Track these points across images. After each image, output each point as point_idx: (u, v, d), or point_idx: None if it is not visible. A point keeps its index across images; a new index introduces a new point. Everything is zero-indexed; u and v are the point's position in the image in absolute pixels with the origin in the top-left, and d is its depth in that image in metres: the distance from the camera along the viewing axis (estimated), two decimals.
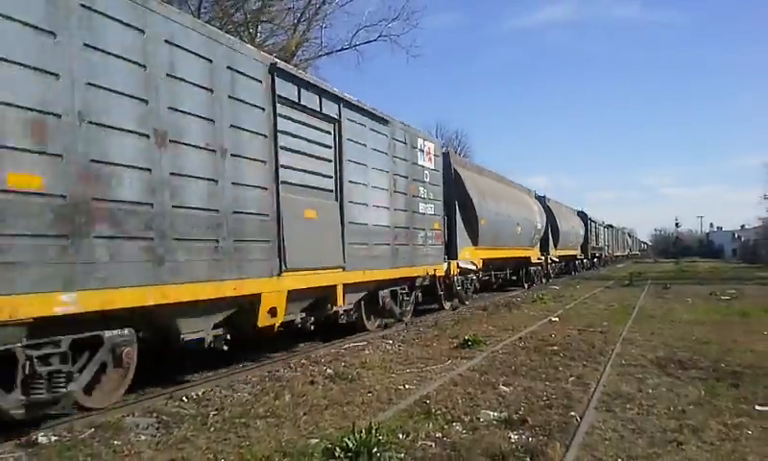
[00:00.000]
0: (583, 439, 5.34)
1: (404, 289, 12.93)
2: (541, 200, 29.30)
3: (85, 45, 5.51)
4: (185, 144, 6.63)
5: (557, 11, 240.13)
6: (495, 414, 6.14)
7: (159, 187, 6.23)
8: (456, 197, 16.53)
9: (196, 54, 6.85)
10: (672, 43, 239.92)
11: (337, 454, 4.72)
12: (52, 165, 5.16)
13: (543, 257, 28.51)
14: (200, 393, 7.14)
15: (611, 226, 63.83)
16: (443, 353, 9.74)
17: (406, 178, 12.61)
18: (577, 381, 7.66)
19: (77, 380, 5.81)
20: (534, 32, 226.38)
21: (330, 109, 9.74)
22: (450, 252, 15.65)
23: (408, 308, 13.38)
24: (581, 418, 5.95)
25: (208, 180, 6.93)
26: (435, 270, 14.01)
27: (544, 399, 6.78)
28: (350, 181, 10.22)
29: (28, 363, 5.26)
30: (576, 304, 18.38)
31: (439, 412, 6.17)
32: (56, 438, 5.50)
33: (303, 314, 9.31)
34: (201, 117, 6.88)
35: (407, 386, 7.46)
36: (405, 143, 12.64)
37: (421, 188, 13.37)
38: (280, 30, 24.87)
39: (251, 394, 7.13)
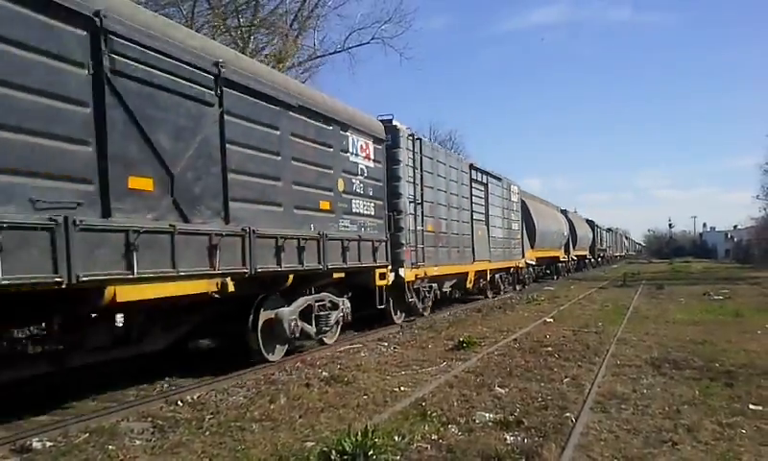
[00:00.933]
0: (578, 440, 5.35)
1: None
2: (564, 213, 40.56)
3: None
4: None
5: (550, 13, 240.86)
6: (491, 415, 6.15)
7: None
8: (524, 218, 26.38)
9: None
10: (664, 45, 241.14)
11: (333, 457, 4.71)
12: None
13: (566, 256, 38.62)
14: (195, 397, 7.12)
15: (610, 229, 72.68)
16: (438, 355, 9.74)
17: (507, 211, 23.06)
18: (572, 382, 7.68)
19: None
20: (527, 33, 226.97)
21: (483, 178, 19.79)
22: (523, 252, 25.53)
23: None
24: (576, 419, 5.96)
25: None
26: (518, 263, 24.49)
27: (540, 400, 6.80)
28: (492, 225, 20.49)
29: None
30: (570, 305, 18.41)
31: (434, 414, 6.16)
32: (50, 443, 5.48)
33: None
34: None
35: (402, 388, 7.47)
36: (505, 189, 22.87)
37: (513, 215, 24.00)
38: (275, 36, 24.82)
39: (246, 397, 7.11)
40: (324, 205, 9.93)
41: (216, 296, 7.52)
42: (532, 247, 27.42)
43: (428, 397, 6.92)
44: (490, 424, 5.91)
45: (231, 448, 5.31)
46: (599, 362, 8.89)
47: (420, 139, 14.69)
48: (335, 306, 10.72)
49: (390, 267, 12.39)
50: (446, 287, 16.97)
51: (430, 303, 15.51)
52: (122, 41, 6.16)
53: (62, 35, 5.61)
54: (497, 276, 21.84)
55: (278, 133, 8.78)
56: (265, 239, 8.25)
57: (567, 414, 6.16)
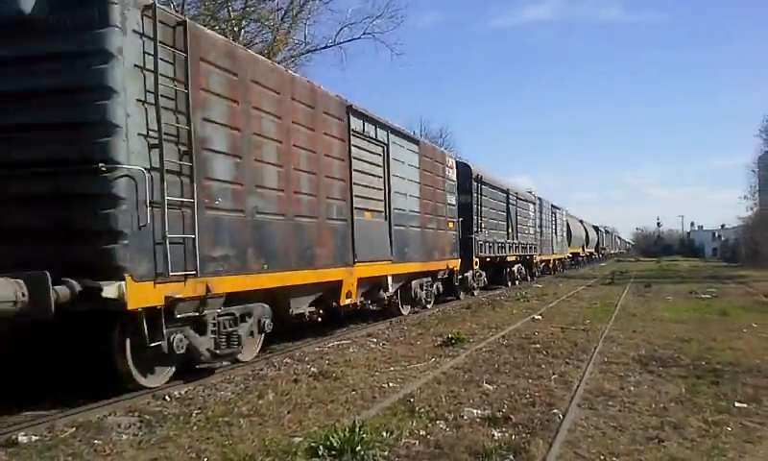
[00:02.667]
0: (565, 436, 5.37)
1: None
2: (582, 222, 57.18)
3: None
4: None
5: (541, 11, 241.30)
6: (479, 412, 6.16)
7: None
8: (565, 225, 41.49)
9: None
10: (653, 44, 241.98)
11: (321, 453, 4.72)
12: None
13: (584, 253, 55.96)
14: (182, 392, 7.09)
15: (607, 230, 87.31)
16: (426, 352, 9.75)
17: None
18: (560, 379, 7.71)
19: None
20: (518, 31, 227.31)
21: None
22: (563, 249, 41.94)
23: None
24: (564, 415, 5.98)
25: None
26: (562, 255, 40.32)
27: (527, 396, 6.82)
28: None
29: None
30: (559, 303, 18.49)
31: (422, 410, 6.17)
32: (36, 437, 5.43)
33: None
34: None
35: (391, 384, 7.47)
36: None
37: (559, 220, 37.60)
38: (266, 28, 24.72)
39: (234, 393, 7.09)
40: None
41: None
42: (570, 246, 42.56)
43: (416, 393, 6.92)
44: (477, 420, 5.92)
45: (219, 443, 5.29)
46: (587, 359, 8.93)
47: None
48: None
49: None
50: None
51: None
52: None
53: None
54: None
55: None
56: None
57: (555, 411, 6.18)
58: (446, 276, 16.55)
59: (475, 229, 19.71)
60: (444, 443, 5.20)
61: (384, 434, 5.35)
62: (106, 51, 6.03)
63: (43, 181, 6.13)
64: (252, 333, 8.47)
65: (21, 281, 5.50)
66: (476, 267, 19.83)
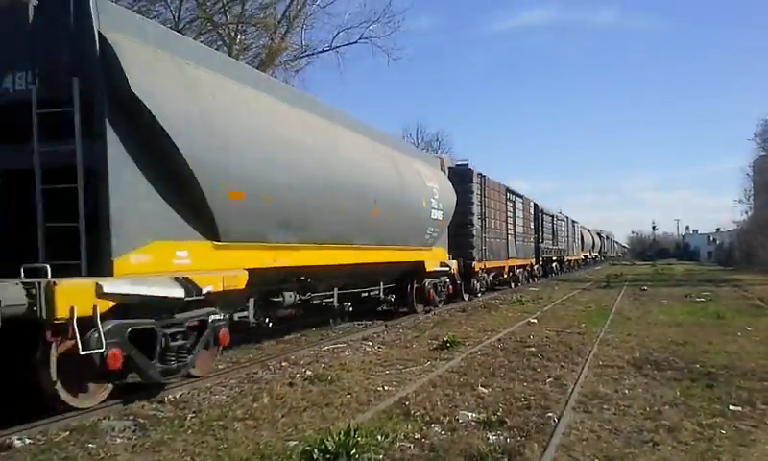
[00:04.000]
0: (560, 439, 5.39)
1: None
2: (590, 231, 67.72)
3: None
4: None
5: (537, 15, 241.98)
6: (474, 415, 6.17)
7: None
8: (579, 234, 50.03)
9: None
10: (649, 48, 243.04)
11: (315, 456, 4.71)
12: None
13: (591, 255, 66.81)
14: (177, 395, 7.07)
15: (607, 236, 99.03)
16: (422, 355, 9.75)
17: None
18: (555, 382, 7.72)
19: None
20: (514, 35, 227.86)
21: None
22: (579, 252, 56.47)
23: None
24: (558, 418, 6.00)
25: None
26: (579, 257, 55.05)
27: (522, 399, 6.83)
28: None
29: None
30: (554, 306, 18.51)
31: (417, 413, 6.18)
32: (30, 441, 5.42)
33: None
34: None
35: (386, 388, 7.47)
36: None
37: (577, 231, 51.81)
38: (263, 33, 24.72)
39: (228, 396, 7.08)
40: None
41: None
42: (581, 250, 45.91)
43: (412, 396, 6.93)
44: (473, 423, 5.93)
45: (213, 446, 5.29)
46: (582, 363, 8.94)
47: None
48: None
49: None
50: None
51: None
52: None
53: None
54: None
55: None
56: None
57: (550, 414, 6.19)
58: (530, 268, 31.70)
59: (540, 241, 33.70)
60: (438, 446, 5.21)
61: (379, 437, 5.35)
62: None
63: None
64: None
65: None
66: (538, 265, 34.41)
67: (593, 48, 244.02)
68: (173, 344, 6.81)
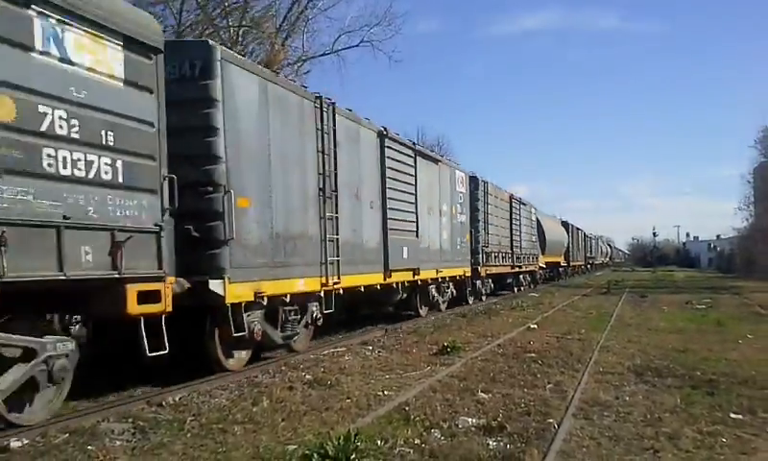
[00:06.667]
0: (560, 446, 5.36)
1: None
2: (604, 241, 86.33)
3: None
4: None
5: (539, 19, 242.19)
6: (474, 421, 6.15)
7: None
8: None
9: None
10: (650, 54, 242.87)
11: None
12: None
13: (600, 261, 78.77)
14: (177, 398, 7.06)
15: (612, 245, 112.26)
16: (422, 360, 9.74)
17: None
18: (555, 388, 7.70)
19: None
20: (516, 39, 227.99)
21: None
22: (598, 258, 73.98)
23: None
24: (558, 425, 5.98)
25: None
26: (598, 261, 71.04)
27: (522, 405, 6.81)
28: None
29: None
30: (554, 312, 18.49)
31: (417, 418, 6.16)
32: (28, 442, 5.41)
33: None
34: None
35: (386, 392, 7.45)
36: (592, 238, 62.71)
37: (600, 243, 70.76)
38: (265, 37, 24.73)
39: (228, 400, 7.07)
40: None
41: None
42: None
43: (412, 401, 6.91)
44: (472, 429, 5.91)
45: (213, 449, 5.27)
46: (582, 369, 8.92)
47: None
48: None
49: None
50: None
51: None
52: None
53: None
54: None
55: None
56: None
57: (550, 420, 6.17)
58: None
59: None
60: (438, 451, 5.19)
61: (379, 442, 5.33)
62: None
63: None
64: None
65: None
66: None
67: (595, 52, 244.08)
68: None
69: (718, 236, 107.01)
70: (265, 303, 8.78)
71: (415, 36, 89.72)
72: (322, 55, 27.43)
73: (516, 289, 28.49)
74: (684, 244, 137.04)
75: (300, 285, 9.68)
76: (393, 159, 13.57)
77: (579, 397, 7.17)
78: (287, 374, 8.55)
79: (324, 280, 10.31)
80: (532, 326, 14.46)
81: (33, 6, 5.53)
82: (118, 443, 5.50)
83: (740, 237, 68.12)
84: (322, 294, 10.40)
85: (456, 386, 7.77)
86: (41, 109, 5.56)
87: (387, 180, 13.22)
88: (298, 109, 9.87)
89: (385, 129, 13.30)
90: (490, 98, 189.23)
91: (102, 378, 7.86)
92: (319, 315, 10.46)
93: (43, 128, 5.56)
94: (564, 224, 45.77)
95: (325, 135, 10.49)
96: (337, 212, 10.79)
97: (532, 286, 32.60)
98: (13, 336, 5.69)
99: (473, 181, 21.07)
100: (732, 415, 6.46)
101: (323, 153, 10.38)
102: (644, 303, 22.33)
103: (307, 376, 8.26)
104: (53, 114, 5.65)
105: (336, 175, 10.81)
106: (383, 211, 13.08)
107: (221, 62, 7.98)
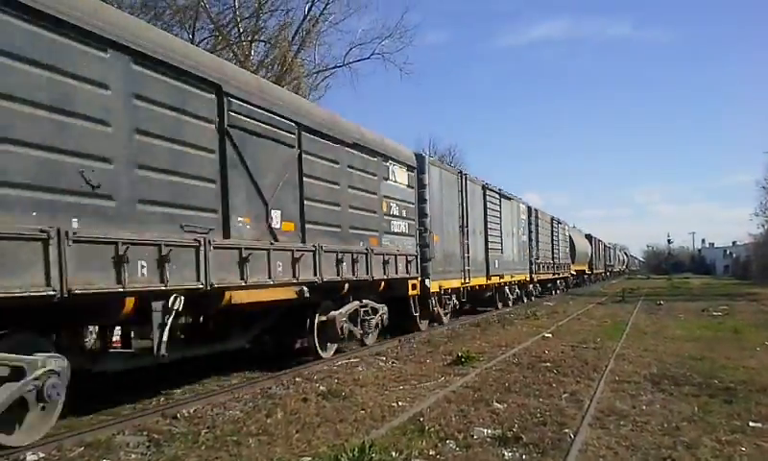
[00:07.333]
0: (577, 456, 5.31)
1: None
2: (622, 251, 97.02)
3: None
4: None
5: (550, 29, 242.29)
6: (489, 431, 6.11)
7: None
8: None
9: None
10: (663, 61, 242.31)
11: None
12: None
13: (617, 269, 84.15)
14: (191, 410, 7.08)
15: (628, 253, 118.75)
16: (436, 370, 9.70)
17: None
18: (571, 398, 7.64)
19: None
20: (527, 49, 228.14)
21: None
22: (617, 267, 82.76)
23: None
24: (575, 435, 5.92)
25: None
26: (617, 269, 78.42)
27: (538, 415, 6.75)
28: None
29: None
30: (569, 321, 18.37)
31: (432, 429, 6.12)
32: (44, 456, 5.43)
33: None
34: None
35: (400, 403, 7.42)
36: (612, 248, 69.70)
37: (617, 253, 74.46)
38: (276, 49, 24.95)
39: (242, 412, 7.07)
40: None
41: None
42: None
43: (426, 412, 6.88)
44: (488, 439, 5.87)
45: None
46: (598, 378, 8.85)
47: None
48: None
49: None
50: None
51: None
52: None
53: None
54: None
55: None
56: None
57: (566, 430, 6.12)
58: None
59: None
60: None
61: (393, 454, 5.31)
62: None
63: None
64: None
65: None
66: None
67: (607, 61, 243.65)
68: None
69: (734, 243, 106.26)
70: (441, 293, 16.14)
71: (426, 47, 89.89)
72: (334, 67, 27.67)
73: (553, 292, 34.89)
74: (699, 251, 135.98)
75: (455, 283, 16.84)
76: (490, 202, 20.72)
77: (595, 406, 7.11)
78: (301, 385, 8.55)
79: (462, 281, 17.44)
80: (546, 335, 14.37)
81: (389, 160, 12.93)
82: (133, 456, 5.52)
83: (756, 244, 67.56)
84: (461, 289, 17.61)
85: (471, 396, 7.72)
86: (392, 204, 12.91)
87: (487, 216, 20.39)
88: (452, 182, 17.34)
89: (486, 183, 20.62)
90: (501, 107, 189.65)
91: (118, 391, 7.91)
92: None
93: (392, 212, 12.95)
94: (588, 236, 53.15)
95: (461, 194, 17.73)
96: (468, 240, 17.80)
97: (564, 290, 38.31)
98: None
99: (529, 209, 27.99)
100: (752, 423, 6.37)
101: (461, 205, 17.72)
102: (660, 311, 22.14)
103: (321, 388, 8.25)
104: (392, 205, 12.93)
105: (467, 218, 17.93)
106: (485, 237, 20.18)
107: (428, 164, 15.23)
